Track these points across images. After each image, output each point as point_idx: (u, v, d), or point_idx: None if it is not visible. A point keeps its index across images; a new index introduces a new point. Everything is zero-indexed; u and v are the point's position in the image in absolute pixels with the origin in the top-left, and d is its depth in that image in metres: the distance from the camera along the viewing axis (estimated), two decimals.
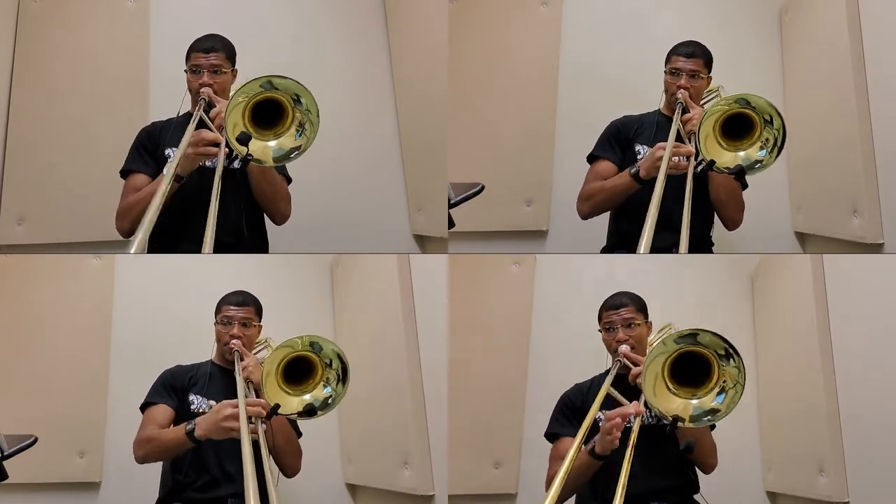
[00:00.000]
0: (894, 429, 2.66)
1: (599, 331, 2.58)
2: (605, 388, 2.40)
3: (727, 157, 2.44)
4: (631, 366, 2.44)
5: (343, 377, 2.36)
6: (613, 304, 2.55)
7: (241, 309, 2.60)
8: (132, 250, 2.22)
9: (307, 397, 2.37)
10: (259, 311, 2.65)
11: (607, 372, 2.50)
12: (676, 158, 2.49)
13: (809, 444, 2.87)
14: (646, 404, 2.30)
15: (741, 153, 2.43)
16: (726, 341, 2.22)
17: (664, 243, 2.58)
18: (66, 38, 3.22)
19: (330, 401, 2.37)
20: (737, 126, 2.43)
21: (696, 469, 2.50)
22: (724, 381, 2.23)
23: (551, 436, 2.56)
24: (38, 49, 3.19)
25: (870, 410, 2.74)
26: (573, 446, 2.19)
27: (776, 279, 3.15)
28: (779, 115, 2.38)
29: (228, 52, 2.64)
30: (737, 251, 3.12)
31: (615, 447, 2.25)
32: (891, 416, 2.67)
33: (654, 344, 2.30)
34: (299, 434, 2.63)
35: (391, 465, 2.93)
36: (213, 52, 2.60)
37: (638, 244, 2.41)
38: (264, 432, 2.37)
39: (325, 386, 2.38)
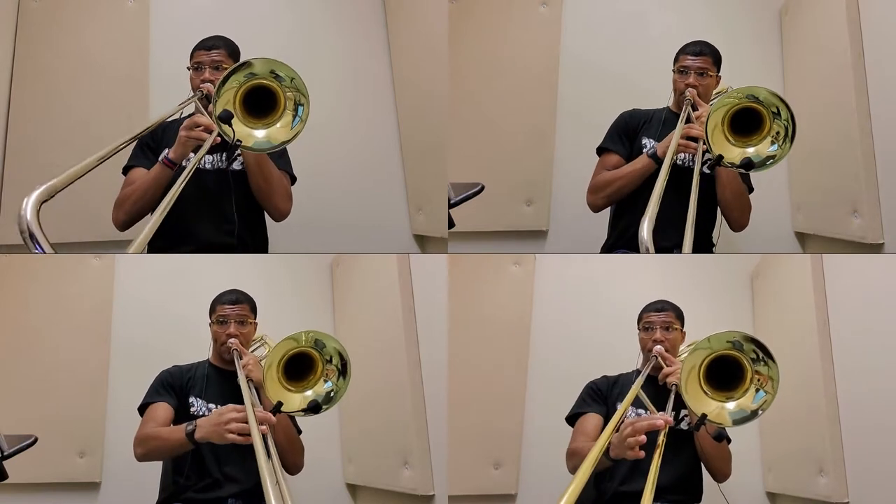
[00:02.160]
0: (894, 429, 2.66)
1: (638, 330, 2.62)
2: (638, 385, 2.39)
3: (735, 153, 2.41)
4: (663, 364, 2.48)
5: (343, 371, 2.36)
6: (656, 306, 2.61)
7: (236, 307, 2.59)
8: (130, 250, 2.23)
9: (309, 393, 2.36)
10: (254, 308, 2.64)
11: (638, 372, 2.52)
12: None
13: (809, 445, 2.88)
14: (675, 402, 2.29)
15: (750, 149, 2.42)
16: (761, 345, 2.17)
17: (667, 242, 2.59)
18: (66, 38, 3.22)
19: (332, 394, 2.36)
20: (746, 121, 2.41)
21: (703, 478, 2.51)
22: (759, 381, 2.20)
23: (573, 418, 2.56)
24: (38, 49, 3.19)
25: (870, 410, 2.74)
26: (606, 432, 2.13)
27: (776, 279, 3.15)
28: (785, 104, 2.36)
29: (230, 49, 2.64)
30: (737, 251, 3.12)
31: (631, 458, 2.09)
32: (891, 416, 2.67)
33: (694, 344, 2.26)
34: (299, 431, 2.63)
35: (391, 465, 2.93)
36: (214, 50, 2.60)
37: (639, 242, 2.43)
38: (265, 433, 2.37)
39: (325, 381, 2.37)
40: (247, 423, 2.24)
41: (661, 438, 2.09)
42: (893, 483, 2.66)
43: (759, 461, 3.11)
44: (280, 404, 2.32)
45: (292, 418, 2.57)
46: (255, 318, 2.63)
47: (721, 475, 2.50)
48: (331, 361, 2.36)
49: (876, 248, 2.85)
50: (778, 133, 2.38)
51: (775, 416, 3.02)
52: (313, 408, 2.34)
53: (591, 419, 2.50)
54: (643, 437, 2.04)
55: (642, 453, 2.04)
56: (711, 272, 3.22)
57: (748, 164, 2.40)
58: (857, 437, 2.77)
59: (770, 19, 3.37)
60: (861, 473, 2.76)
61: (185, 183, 2.33)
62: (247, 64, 2.32)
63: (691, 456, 2.48)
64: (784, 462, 3.04)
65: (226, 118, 2.31)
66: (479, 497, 3.12)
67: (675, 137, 2.52)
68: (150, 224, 2.23)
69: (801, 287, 2.95)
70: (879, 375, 2.71)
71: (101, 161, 2.30)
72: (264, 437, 2.25)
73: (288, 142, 2.36)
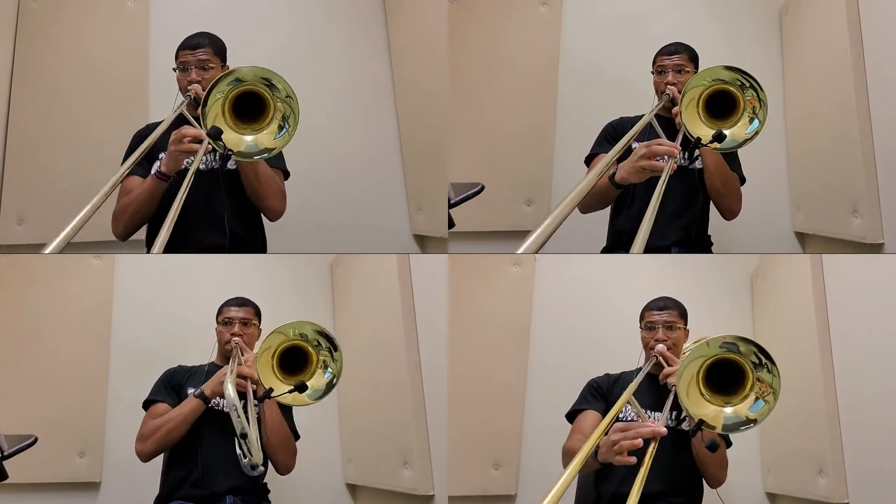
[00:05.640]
0: (894, 429, 2.66)
1: (640, 328, 2.60)
2: (636, 383, 2.38)
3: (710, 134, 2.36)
4: (665, 364, 2.47)
5: (334, 348, 2.40)
6: (658, 305, 2.59)
7: (241, 309, 2.66)
8: (155, 251, 2.29)
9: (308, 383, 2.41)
10: (258, 313, 2.69)
11: (639, 369, 2.51)
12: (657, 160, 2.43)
13: (809, 445, 2.88)
14: (675, 402, 2.26)
15: (726, 131, 2.36)
16: (763, 350, 2.15)
17: (664, 241, 2.59)
18: (66, 38, 3.22)
19: (335, 381, 2.41)
20: (720, 106, 2.38)
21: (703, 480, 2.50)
22: (760, 390, 2.18)
23: (573, 414, 2.55)
24: (38, 49, 3.19)
25: (870, 411, 2.74)
26: (596, 432, 2.12)
27: (776, 279, 3.15)
28: (748, 75, 2.34)
29: (216, 47, 2.60)
30: (737, 251, 3.12)
31: (619, 463, 2.06)
32: (891, 417, 2.67)
33: (696, 345, 2.24)
34: (297, 437, 2.64)
35: (391, 465, 2.93)
36: (200, 49, 2.56)
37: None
38: (257, 412, 2.49)
39: (324, 371, 2.41)
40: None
41: (651, 448, 2.06)
42: (893, 483, 2.66)
43: (758, 462, 3.11)
44: (270, 390, 2.37)
45: (290, 423, 2.60)
46: (259, 322, 2.68)
47: (715, 481, 2.47)
48: (320, 346, 2.40)
49: (876, 248, 2.85)
50: (755, 107, 2.37)
51: (775, 417, 3.03)
52: (299, 387, 2.39)
53: (590, 416, 2.48)
54: (637, 442, 2.01)
55: (632, 459, 2.00)
56: (711, 272, 3.22)
57: (719, 136, 2.34)
58: (857, 437, 2.77)
59: (770, 19, 3.37)
60: (861, 474, 2.76)
61: (187, 189, 2.35)
62: (233, 71, 2.31)
63: (692, 457, 2.47)
64: (784, 462, 3.04)
65: (215, 135, 2.29)
66: (479, 497, 3.12)
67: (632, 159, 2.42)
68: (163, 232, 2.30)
69: (801, 287, 2.95)
70: (879, 375, 2.71)
71: (114, 188, 2.40)
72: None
73: (272, 150, 2.35)
